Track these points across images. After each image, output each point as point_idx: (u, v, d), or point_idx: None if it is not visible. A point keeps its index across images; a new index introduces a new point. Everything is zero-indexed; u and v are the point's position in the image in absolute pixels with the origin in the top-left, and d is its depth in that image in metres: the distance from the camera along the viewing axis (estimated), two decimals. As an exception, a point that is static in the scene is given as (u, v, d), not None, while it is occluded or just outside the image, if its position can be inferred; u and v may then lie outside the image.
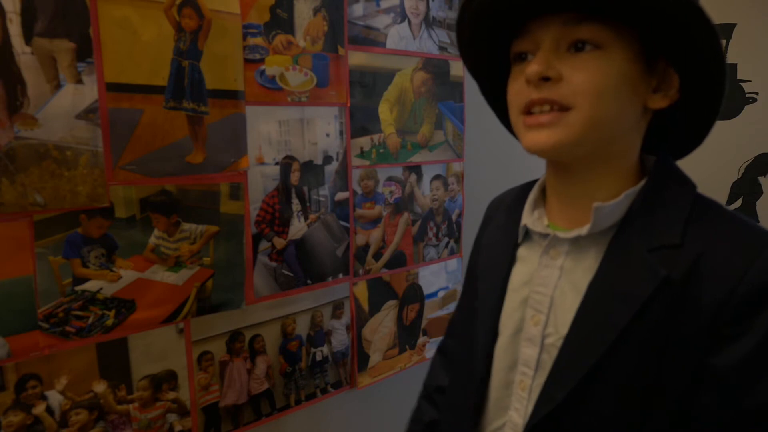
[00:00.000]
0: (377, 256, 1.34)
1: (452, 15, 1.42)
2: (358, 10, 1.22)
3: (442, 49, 1.41)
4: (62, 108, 0.84)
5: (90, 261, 0.89)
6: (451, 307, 1.55)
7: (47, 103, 0.82)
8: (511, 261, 0.69)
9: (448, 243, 1.51)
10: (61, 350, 0.88)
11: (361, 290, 1.32)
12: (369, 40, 1.25)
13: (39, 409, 0.86)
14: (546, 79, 0.55)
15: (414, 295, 1.44)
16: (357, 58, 1.23)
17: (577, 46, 0.55)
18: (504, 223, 0.72)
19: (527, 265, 0.67)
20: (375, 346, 1.36)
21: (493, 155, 1.61)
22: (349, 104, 1.23)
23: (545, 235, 0.64)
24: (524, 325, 0.64)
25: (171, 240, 0.98)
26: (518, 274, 0.67)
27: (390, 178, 1.34)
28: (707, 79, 0.56)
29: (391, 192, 1.35)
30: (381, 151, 1.31)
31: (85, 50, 0.85)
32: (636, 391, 0.55)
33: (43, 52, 0.81)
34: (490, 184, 1.62)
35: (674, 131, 0.64)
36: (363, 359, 1.34)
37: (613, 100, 0.55)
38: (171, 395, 1.01)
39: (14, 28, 0.79)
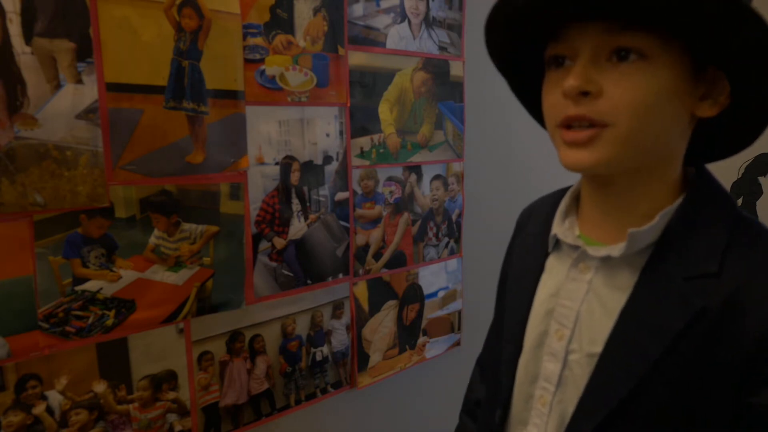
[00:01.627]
0: (377, 256, 1.34)
1: (452, 15, 1.42)
2: (358, 10, 1.22)
3: (442, 49, 1.41)
4: (62, 108, 0.84)
5: (90, 261, 0.89)
6: (452, 307, 1.55)
7: (47, 103, 0.82)
8: (540, 271, 0.66)
9: (448, 243, 1.51)
10: (61, 350, 0.88)
11: (361, 290, 1.32)
12: (369, 40, 1.25)
13: (39, 409, 0.86)
14: (585, 93, 0.52)
15: (414, 295, 1.44)
16: (357, 58, 1.23)
17: (620, 55, 0.51)
18: (536, 232, 0.70)
19: (555, 276, 0.64)
20: (375, 346, 1.36)
21: (493, 155, 1.61)
22: (349, 104, 1.23)
23: (575, 247, 0.61)
24: (547, 339, 0.62)
25: (171, 240, 0.98)
26: (545, 285, 0.65)
27: (390, 178, 1.34)
28: (763, 83, 0.52)
29: (391, 192, 1.35)
30: (381, 151, 1.31)
31: (85, 50, 0.85)
32: (667, 425, 0.53)
33: (43, 52, 0.81)
34: (490, 184, 1.62)
35: (719, 135, 0.59)
36: (363, 359, 1.34)
37: (657, 114, 0.52)
38: (171, 395, 1.01)
39: (14, 28, 0.79)
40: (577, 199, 0.66)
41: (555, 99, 0.55)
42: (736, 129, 0.58)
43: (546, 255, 0.67)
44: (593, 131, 0.52)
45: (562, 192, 0.70)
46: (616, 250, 0.57)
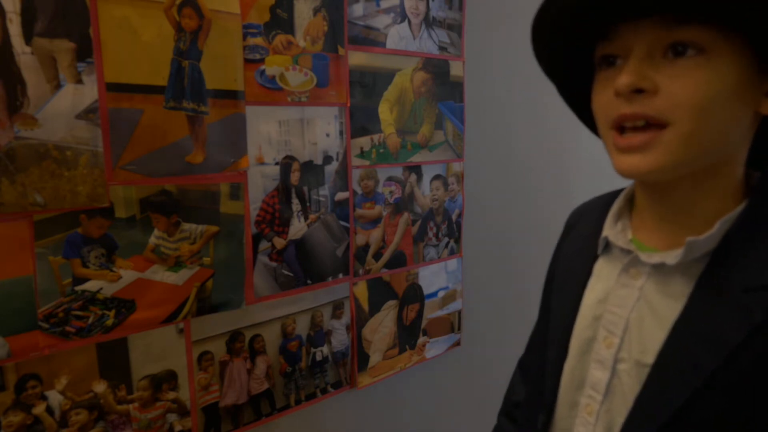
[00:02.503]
0: (377, 256, 1.34)
1: (452, 15, 1.42)
2: (358, 10, 1.22)
3: (442, 49, 1.41)
4: (62, 108, 0.84)
5: (90, 261, 0.89)
6: (452, 307, 1.55)
7: (47, 103, 0.82)
8: (588, 274, 0.64)
9: (448, 243, 1.51)
10: (61, 350, 0.88)
11: (361, 290, 1.32)
12: (369, 40, 1.25)
13: (39, 409, 0.86)
14: (639, 91, 0.49)
15: (414, 295, 1.44)
16: (357, 58, 1.23)
17: (677, 50, 0.48)
18: (586, 233, 0.67)
19: (603, 281, 0.62)
20: (375, 346, 1.36)
21: (493, 155, 1.61)
22: (349, 104, 1.23)
23: (626, 252, 0.59)
24: (595, 345, 0.60)
25: (171, 240, 0.98)
26: (593, 289, 0.63)
27: (390, 178, 1.34)
28: None
29: (391, 192, 1.35)
30: (381, 151, 1.31)
31: (85, 50, 0.85)
32: None
33: (43, 52, 0.81)
34: (490, 184, 1.62)
35: None
36: (363, 359, 1.34)
37: (719, 112, 0.49)
38: (171, 395, 1.01)
39: (14, 28, 0.79)
40: (630, 201, 0.64)
41: (606, 99, 0.53)
42: None
43: (595, 258, 0.64)
44: (649, 135, 0.50)
45: (615, 193, 0.68)
46: (671, 257, 0.54)
